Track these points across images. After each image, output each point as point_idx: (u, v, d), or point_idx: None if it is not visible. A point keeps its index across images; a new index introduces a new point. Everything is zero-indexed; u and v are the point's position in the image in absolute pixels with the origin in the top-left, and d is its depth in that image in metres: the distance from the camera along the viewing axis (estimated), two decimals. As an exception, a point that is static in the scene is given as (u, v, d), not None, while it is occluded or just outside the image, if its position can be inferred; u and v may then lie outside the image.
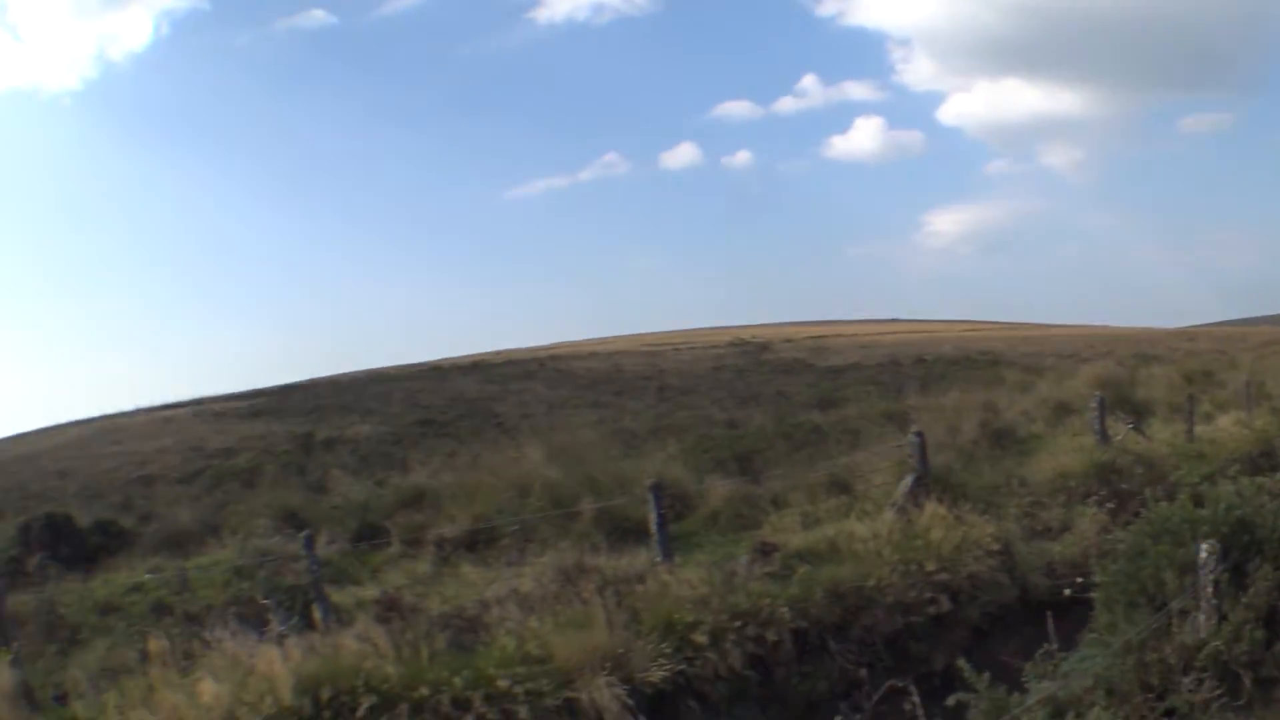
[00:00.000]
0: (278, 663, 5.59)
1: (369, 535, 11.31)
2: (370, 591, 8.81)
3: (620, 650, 5.62)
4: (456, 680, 5.34)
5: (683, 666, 5.74)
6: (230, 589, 9.44)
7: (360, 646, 5.86)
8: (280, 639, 6.38)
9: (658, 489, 7.78)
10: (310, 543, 8.03)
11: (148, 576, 10.65)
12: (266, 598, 8.03)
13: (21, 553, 13.68)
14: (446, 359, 56.28)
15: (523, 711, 5.17)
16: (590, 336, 66.88)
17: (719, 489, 10.58)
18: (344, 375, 56.01)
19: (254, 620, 7.29)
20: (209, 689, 5.39)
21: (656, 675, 5.58)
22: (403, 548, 10.45)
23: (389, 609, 7.17)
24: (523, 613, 6.40)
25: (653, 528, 7.70)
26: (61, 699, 6.31)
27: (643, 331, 67.37)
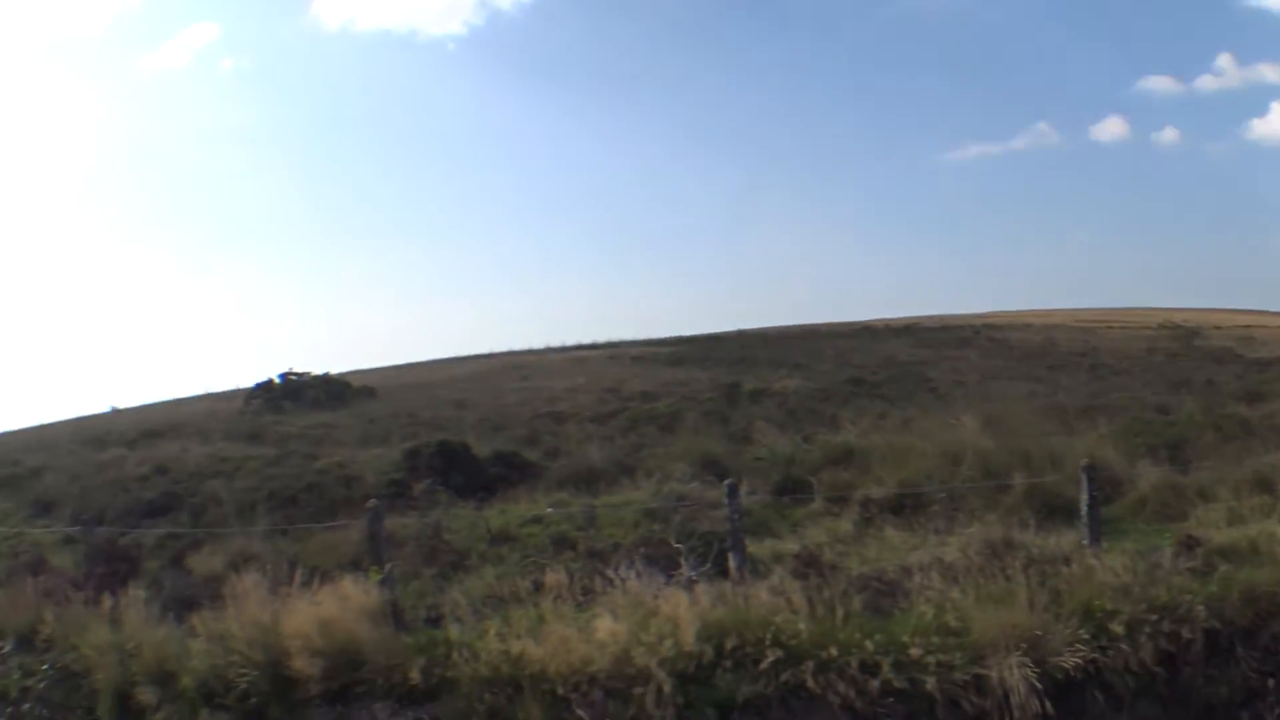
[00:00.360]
0: (684, 607, 8.46)
1: (791, 489, 15.27)
2: (789, 546, 12.13)
3: (1037, 631, 7.72)
4: (868, 643, 7.77)
5: (1095, 655, 7.69)
6: (640, 530, 13.42)
7: (773, 600, 8.58)
8: (689, 584, 9.45)
9: (1091, 470, 10.82)
10: (734, 490, 11.24)
11: (549, 510, 15.42)
12: (679, 542, 11.46)
13: (408, 477, 19.73)
14: (878, 320, 77.96)
15: (930, 682, 7.44)
16: (1023, 308, 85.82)
17: (1149, 475, 13.71)
18: (772, 329, 75.94)
19: (662, 563, 10.58)
20: (606, 625, 8.45)
21: (1070, 661, 7.60)
22: (826, 505, 14.08)
23: (807, 565, 9.91)
24: (944, 583, 8.82)
25: (1083, 509, 10.58)
26: (434, 621, 10.05)
27: (1075, 307, 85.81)
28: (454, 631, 9.34)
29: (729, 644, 8.02)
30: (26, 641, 11.72)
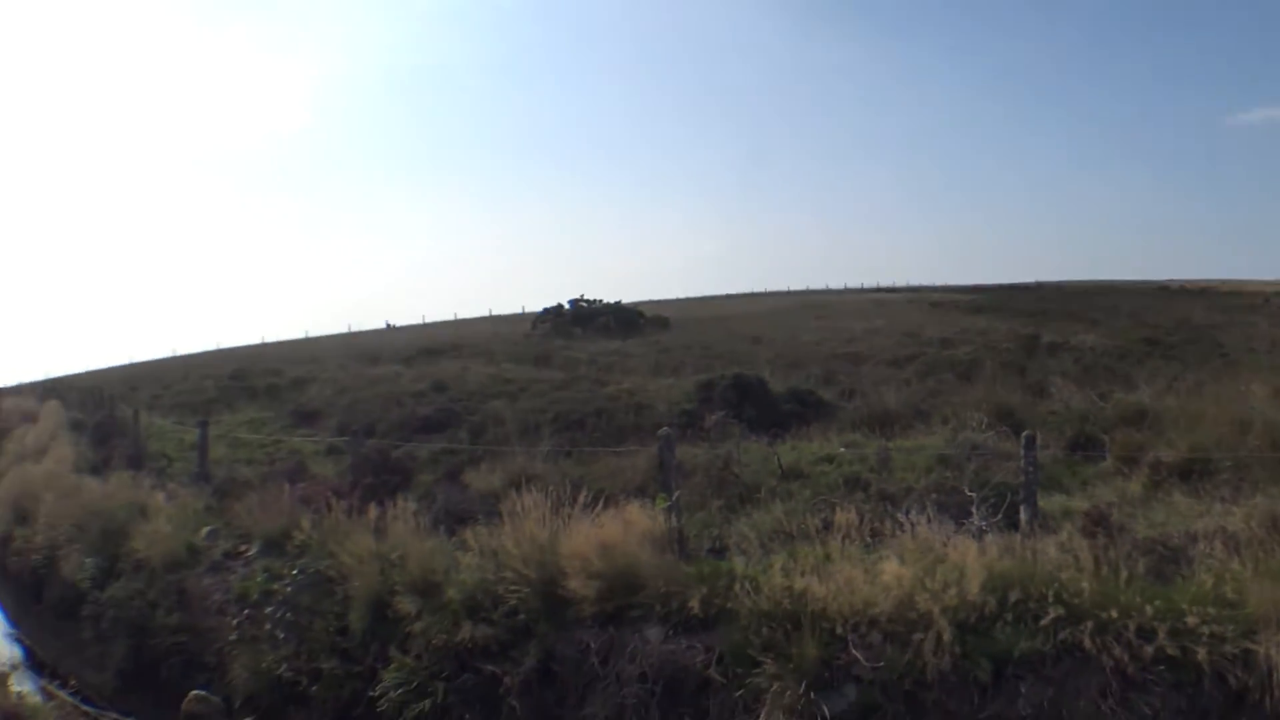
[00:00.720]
0: (972, 556, 8.28)
1: (1083, 446, 14.98)
2: (1078, 503, 11.83)
3: None
4: (1147, 608, 7.44)
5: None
6: (932, 475, 13.39)
7: (1060, 556, 8.33)
8: (979, 533, 9.27)
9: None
10: (1031, 443, 10.80)
11: (842, 449, 15.56)
12: (972, 490, 11.26)
13: (700, 408, 19.86)
14: (1174, 280, 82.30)
15: (1201, 653, 7.05)
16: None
17: None
18: (1070, 283, 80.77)
19: (953, 510, 10.37)
20: (892, 568, 8.32)
21: None
22: (1116, 465, 13.67)
23: (1095, 524, 9.59)
24: (1226, 553, 8.38)
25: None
26: (718, 552, 10.12)
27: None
28: (738, 563, 9.43)
29: (1012, 597, 7.82)
30: (275, 546, 12.35)
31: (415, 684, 9.64)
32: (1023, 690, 7.45)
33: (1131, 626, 7.33)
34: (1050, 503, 11.74)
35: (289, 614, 11.22)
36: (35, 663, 14.70)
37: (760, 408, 20.62)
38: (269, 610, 11.44)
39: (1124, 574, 7.81)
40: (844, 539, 9.16)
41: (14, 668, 13.99)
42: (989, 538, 8.89)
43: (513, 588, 9.66)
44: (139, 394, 38.16)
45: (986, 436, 15.48)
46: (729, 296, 79.24)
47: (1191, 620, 7.22)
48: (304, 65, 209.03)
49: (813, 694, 7.74)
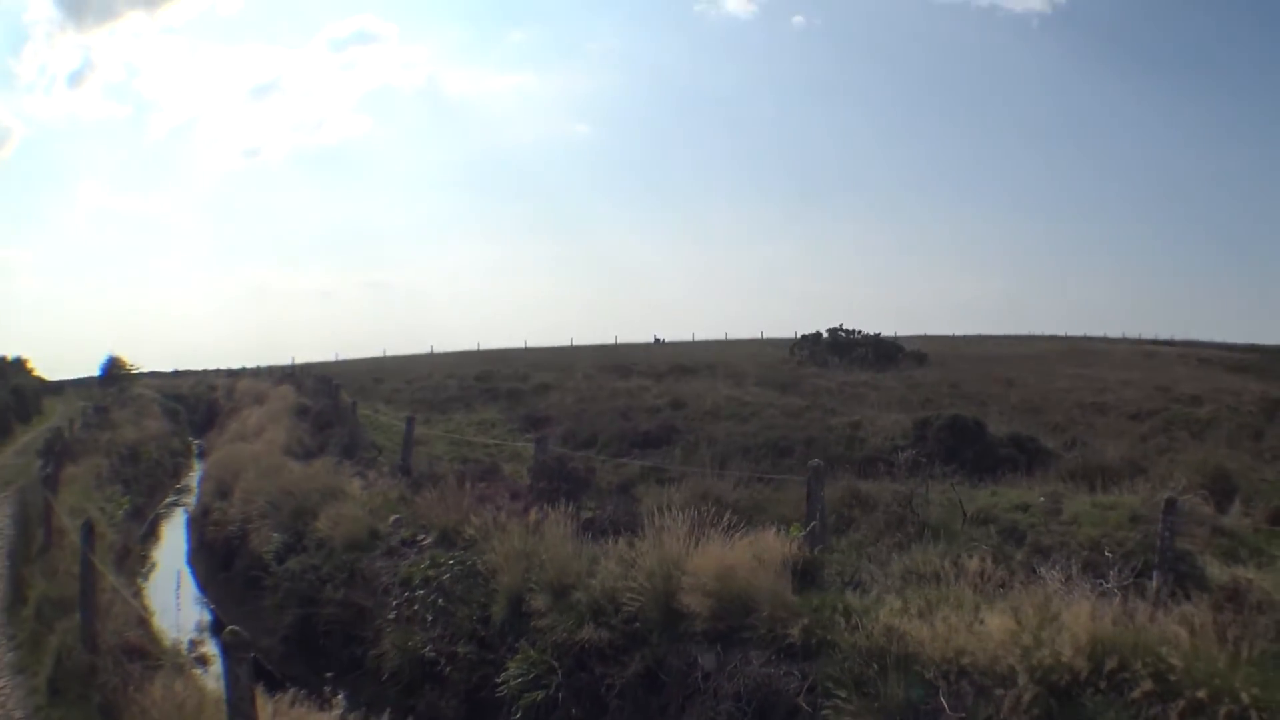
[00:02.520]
0: (1082, 618, 8.23)
1: None
2: (1250, 574, 11.12)
3: None
4: (1244, 694, 7.11)
5: None
6: (1114, 533, 13.38)
7: (1167, 629, 8.11)
8: (1107, 595, 9.14)
9: None
10: (1171, 506, 10.72)
11: (1041, 499, 15.56)
12: (1110, 552, 11.25)
13: (914, 446, 20.01)
14: None
15: None
16: None
17: None
18: None
19: (1100, 570, 10.35)
20: (996, 621, 8.44)
21: None
22: None
23: (1229, 598, 9.16)
24: None
25: None
26: (854, 585, 10.33)
27: None
28: (851, 598, 9.70)
29: (1108, 665, 7.71)
30: (448, 538, 13.41)
31: (534, 675, 10.51)
32: None
33: (1223, 711, 7.04)
34: (1223, 573, 11.28)
35: (441, 600, 12.34)
36: (219, 628, 16.23)
37: (976, 450, 20.61)
38: (420, 593, 12.59)
39: (1243, 652, 7.51)
40: (965, 585, 9.40)
41: (201, 631, 15.72)
42: (1114, 602, 8.66)
43: (634, 597, 10.39)
44: (381, 386, 40.90)
45: (1187, 499, 15.11)
46: (1001, 337, 77.71)
47: None
48: (587, 79, 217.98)
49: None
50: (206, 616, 17.17)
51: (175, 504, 28.87)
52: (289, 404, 32.16)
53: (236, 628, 7.33)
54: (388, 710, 11.15)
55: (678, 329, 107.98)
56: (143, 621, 10.95)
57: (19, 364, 60.17)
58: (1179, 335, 78.65)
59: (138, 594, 15.90)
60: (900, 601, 9.21)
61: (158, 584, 19.37)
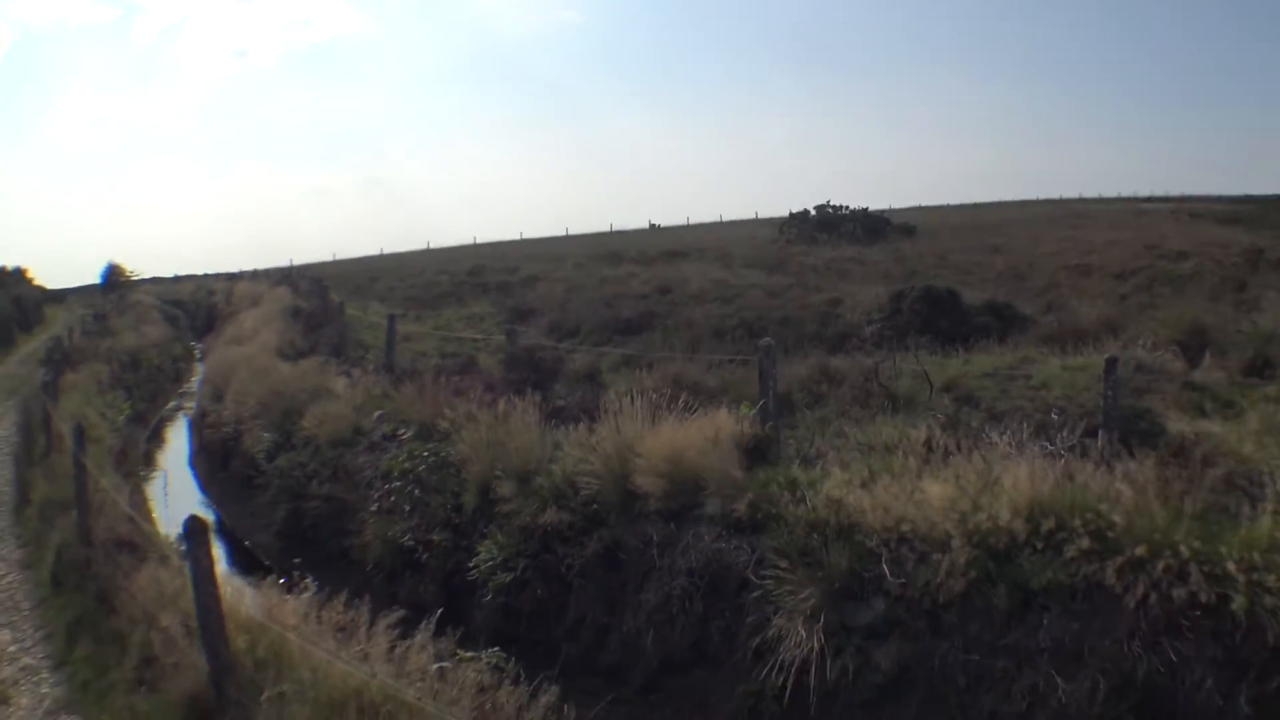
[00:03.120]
0: (1023, 481, 8.28)
1: (1259, 369, 14.58)
2: (1212, 427, 11.26)
3: None
4: (1183, 548, 7.13)
5: None
6: (1065, 393, 13.51)
7: (1107, 486, 8.10)
8: (1054, 456, 9.17)
9: None
10: (1112, 365, 10.57)
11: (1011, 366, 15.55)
12: (1056, 413, 11.34)
13: (888, 319, 20.11)
14: None
15: (1238, 601, 6.70)
16: None
17: None
18: None
19: (1051, 431, 10.37)
20: (935, 489, 8.52)
21: None
22: None
23: (1174, 454, 9.21)
24: None
25: None
26: (808, 460, 10.44)
27: None
28: (796, 472, 9.81)
29: (1046, 525, 7.78)
30: (426, 432, 13.63)
31: (503, 559, 10.84)
32: (1045, 622, 7.45)
33: (1160, 566, 7.09)
34: (1195, 428, 11.11)
35: (417, 491, 12.59)
36: (221, 527, 16.67)
37: (952, 320, 20.62)
38: (397, 484, 12.87)
39: (1178, 508, 7.58)
40: (906, 455, 9.51)
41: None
42: (1058, 463, 8.70)
43: (592, 480, 10.64)
44: (376, 285, 40.98)
45: (1157, 356, 15.29)
46: (994, 204, 77.27)
47: (1230, 566, 6.87)
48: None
49: (839, 604, 8.21)
50: (210, 517, 17.48)
51: (178, 408, 29.13)
52: (283, 306, 32.27)
53: (198, 515, 7.71)
54: (366, 596, 11.49)
55: (674, 213, 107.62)
56: (133, 519, 11.25)
57: (19, 274, 60.03)
58: (1176, 191, 78.26)
59: (138, 493, 16.29)
60: (844, 474, 9.33)
61: (161, 485, 19.90)
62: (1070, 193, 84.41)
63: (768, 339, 12.05)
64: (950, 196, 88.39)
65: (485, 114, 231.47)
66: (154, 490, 18.95)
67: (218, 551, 14.48)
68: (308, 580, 8.71)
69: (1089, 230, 44.32)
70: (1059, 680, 7.20)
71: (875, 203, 55.70)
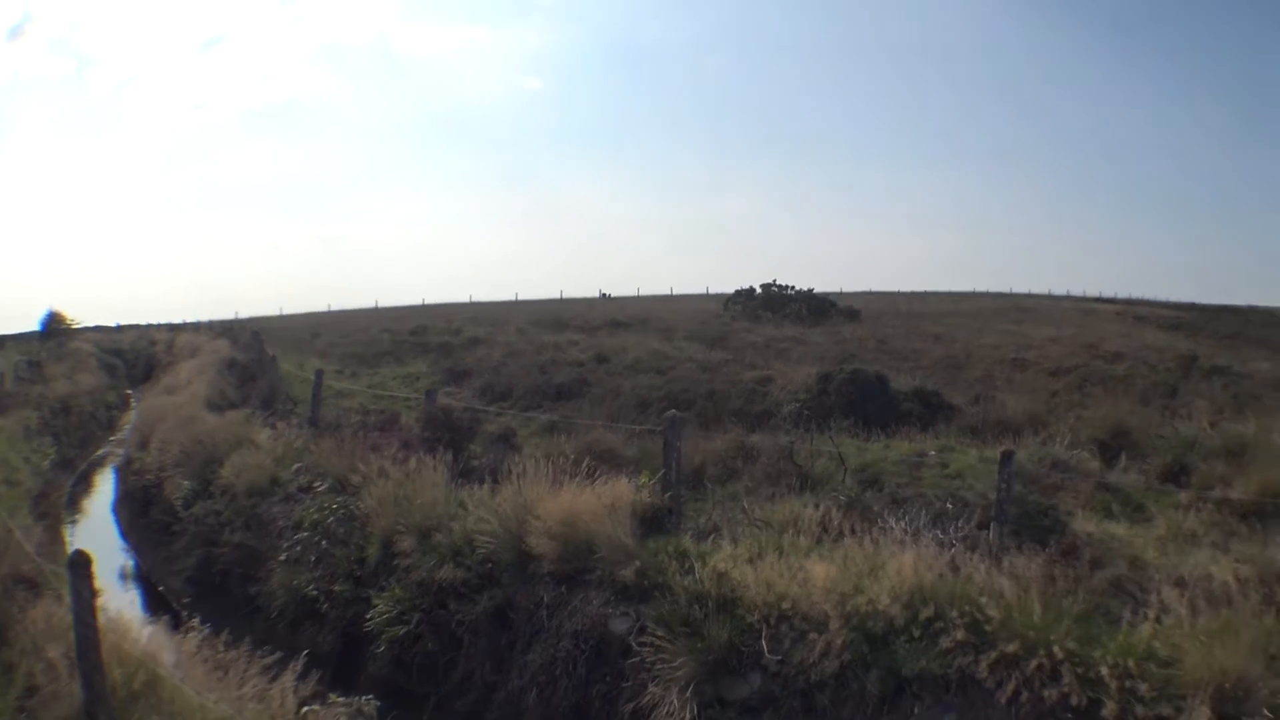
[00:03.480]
0: (907, 568, 8.42)
1: (1177, 475, 14.60)
2: (1120, 530, 11.58)
3: (1250, 681, 6.68)
4: (1056, 649, 7.17)
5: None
6: (976, 484, 13.55)
7: (988, 581, 8.21)
8: (949, 547, 9.33)
9: None
10: (1007, 459, 10.54)
11: (932, 453, 15.92)
12: (950, 503, 11.45)
13: (816, 400, 20.33)
14: None
15: (1109, 707, 6.70)
16: None
17: None
18: None
19: (948, 521, 10.42)
20: (820, 569, 8.63)
21: None
22: (1192, 498, 12.94)
23: (1065, 553, 9.30)
24: (1194, 604, 7.62)
25: None
26: (704, 533, 10.55)
27: None
28: (687, 543, 9.95)
29: (924, 614, 7.87)
30: (341, 485, 13.72)
31: (398, 611, 10.87)
32: (916, 711, 7.52)
33: (1033, 665, 7.14)
34: (1101, 529, 11.52)
35: (324, 542, 12.60)
36: (139, 572, 16.53)
37: (879, 405, 20.81)
38: (305, 535, 12.91)
39: (1061, 608, 7.65)
40: (801, 534, 9.71)
41: (125, 577, 15.99)
42: (947, 552, 8.87)
43: (488, 540, 10.74)
44: (318, 340, 40.96)
45: (1074, 454, 15.47)
46: (944, 294, 78.40)
47: (1103, 670, 6.90)
48: (539, 34, 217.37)
49: (716, 677, 8.28)
50: (130, 563, 17.36)
51: (107, 455, 28.86)
52: (220, 357, 32.19)
53: (82, 549, 7.82)
54: (267, 644, 11.53)
55: (625, 284, 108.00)
56: (34, 557, 11.24)
57: (-50, 320, 59.36)
58: (1126, 294, 79.65)
59: (54, 535, 16.17)
60: (733, 548, 9.44)
61: (78, 530, 19.59)
62: (1022, 287, 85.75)
63: (673, 412, 12.24)
64: (903, 284, 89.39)
65: (442, 176, 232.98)
66: (72, 534, 18.74)
67: (133, 596, 14.79)
68: (195, 621, 8.84)
69: (1032, 325, 45.00)
70: (926, 772, 7.23)
71: (828, 284, 56.62)
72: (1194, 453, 15.78)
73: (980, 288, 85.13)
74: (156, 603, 14.63)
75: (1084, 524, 11.56)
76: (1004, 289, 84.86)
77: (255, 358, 29.76)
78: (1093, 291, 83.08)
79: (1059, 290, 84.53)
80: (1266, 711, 6.58)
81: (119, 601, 12.36)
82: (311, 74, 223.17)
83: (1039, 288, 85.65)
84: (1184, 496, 13.32)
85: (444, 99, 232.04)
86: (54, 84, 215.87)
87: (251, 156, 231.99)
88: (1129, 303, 71.37)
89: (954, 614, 7.74)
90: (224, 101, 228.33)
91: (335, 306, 79.44)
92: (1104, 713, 6.72)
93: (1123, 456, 15.67)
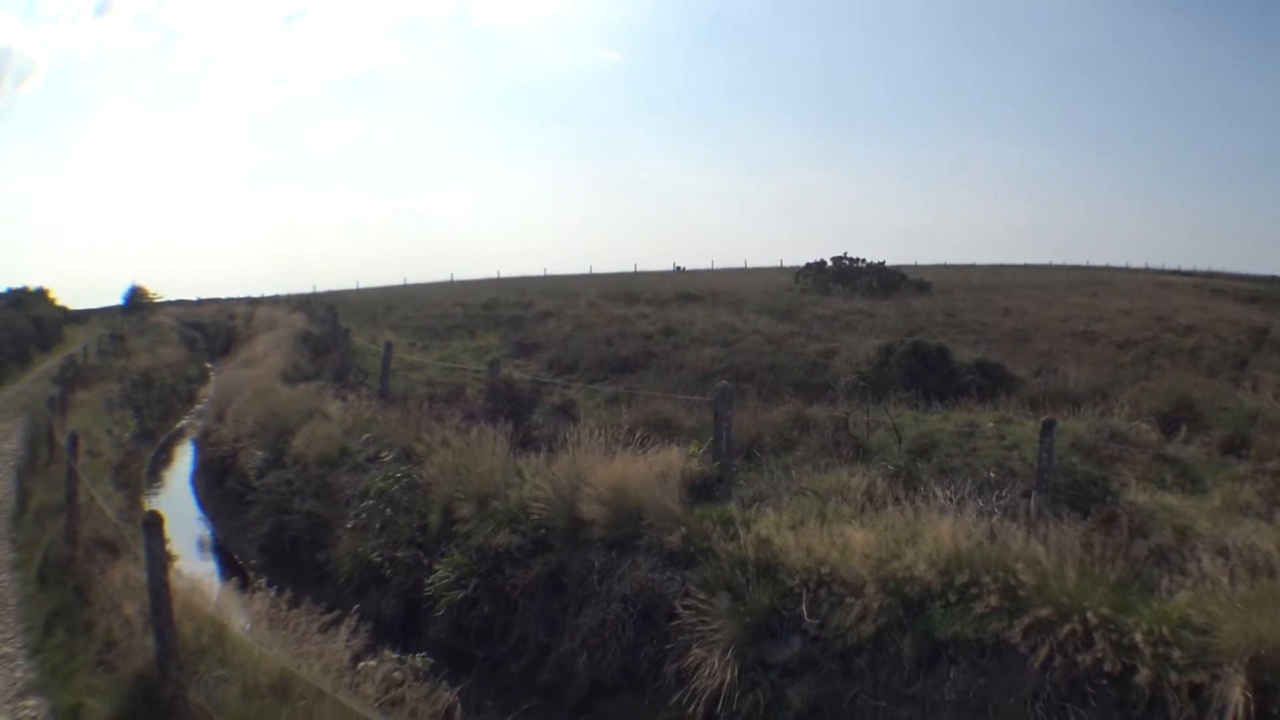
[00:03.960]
0: (944, 535, 8.60)
1: (1236, 447, 14.74)
2: (1172, 500, 11.50)
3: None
4: (1090, 614, 7.24)
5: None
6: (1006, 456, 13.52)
7: (1035, 548, 8.25)
8: (987, 515, 9.46)
9: None
10: (1048, 429, 10.85)
11: (991, 425, 15.99)
12: (994, 471, 11.57)
13: (877, 372, 20.40)
14: None
15: (1144, 674, 6.76)
16: None
17: None
18: None
19: (998, 490, 10.58)
20: (859, 535, 8.84)
21: None
22: (1251, 470, 13.00)
23: (1105, 522, 9.41)
24: (1231, 575, 7.57)
25: None
26: (752, 500, 10.82)
27: None
28: (734, 511, 10.16)
29: (959, 580, 8.01)
30: (406, 454, 14.13)
31: (457, 576, 11.32)
32: (951, 675, 7.61)
33: (1066, 630, 7.21)
34: (1153, 500, 11.40)
35: (389, 510, 13.05)
36: (216, 541, 17.26)
37: (940, 376, 20.85)
38: (370, 503, 13.38)
39: (1097, 574, 7.67)
40: (841, 501, 9.97)
41: (202, 545, 16.67)
42: (986, 521, 9.01)
43: (542, 506, 11.08)
44: (392, 315, 41.52)
45: (1133, 426, 15.43)
46: (1019, 267, 77.28)
47: (1137, 637, 6.93)
48: (618, 7, 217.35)
49: (757, 640, 8.53)
50: (208, 533, 17.98)
51: (187, 427, 29.64)
52: (296, 331, 32.91)
53: (155, 509, 8.56)
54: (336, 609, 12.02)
55: (700, 258, 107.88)
56: (114, 522, 11.83)
57: (40, 294, 60.59)
58: (1206, 266, 77.70)
59: (134, 504, 16.71)
60: (776, 515, 9.67)
61: (165, 498, 20.45)
62: (1100, 260, 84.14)
63: (724, 382, 12.45)
64: (979, 256, 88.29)
65: (519, 149, 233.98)
66: (152, 503, 19.38)
67: (209, 563, 15.32)
68: (262, 583, 9.35)
69: (1105, 298, 44.34)
70: (961, 735, 7.35)
71: (902, 258, 56.02)
72: (1256, 425, 15.64)
73: (1056, 260, 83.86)
74: (231, 570, 15.14)
75: (1137, 495, 11.50)
76: (1081, 261, 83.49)
77: (329, 331, 30.34)
78: (1172, 265, 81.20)
79: (1138, 263, 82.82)
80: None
81: (194, 567, 12.94)
82: (391, 47, 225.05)
83: (1117, 261, 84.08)
84: (1242, 468, 13.35)
85: (522, 72, 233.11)
86: (139, 59, 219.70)
87: (331, 130, 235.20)
88: (1208, 275, 69.76)
89: (988, 580, 7.85)
90: (305, 75, 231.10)
91: (411, 280, 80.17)
92: (1137, 679, 6.78)
93: (1183, 429, 15.63)
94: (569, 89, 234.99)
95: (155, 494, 20.95)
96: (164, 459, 25.38)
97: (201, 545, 17.11)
